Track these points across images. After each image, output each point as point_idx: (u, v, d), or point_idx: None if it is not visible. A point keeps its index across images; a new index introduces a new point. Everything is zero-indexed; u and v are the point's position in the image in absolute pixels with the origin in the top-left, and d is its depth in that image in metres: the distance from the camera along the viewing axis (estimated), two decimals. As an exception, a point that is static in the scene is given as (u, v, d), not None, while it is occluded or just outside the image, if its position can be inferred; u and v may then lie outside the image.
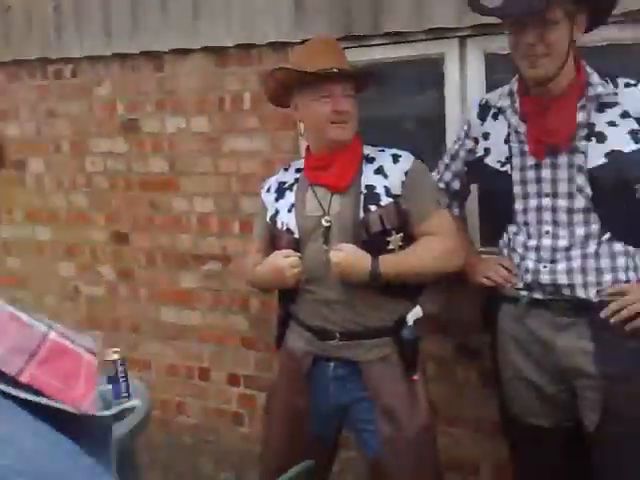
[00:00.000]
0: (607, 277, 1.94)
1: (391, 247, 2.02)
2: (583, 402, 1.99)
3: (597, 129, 1.89)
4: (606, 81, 1.92)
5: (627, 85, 1.91)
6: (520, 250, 2.03)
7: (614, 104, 1.90)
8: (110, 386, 2.29)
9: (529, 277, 1.99)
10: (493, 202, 2.17)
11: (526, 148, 1.97)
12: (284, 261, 2.06)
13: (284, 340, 2.27)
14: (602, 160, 1.87)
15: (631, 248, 1.95)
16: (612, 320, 1.90)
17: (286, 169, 2.30)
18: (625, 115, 1.88)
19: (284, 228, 2.14)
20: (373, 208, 2.01)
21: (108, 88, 3.44)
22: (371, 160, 2.10)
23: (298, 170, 2.24)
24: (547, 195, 1.96)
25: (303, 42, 2.69)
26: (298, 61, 2.08)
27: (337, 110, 2.02)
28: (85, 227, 3.65)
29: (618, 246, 1.93)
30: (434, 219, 2.07)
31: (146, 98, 3.34)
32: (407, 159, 2.08)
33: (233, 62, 3.03)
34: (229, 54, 3.03)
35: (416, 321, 2.08)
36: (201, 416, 3.42)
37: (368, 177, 2.06)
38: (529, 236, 2.00)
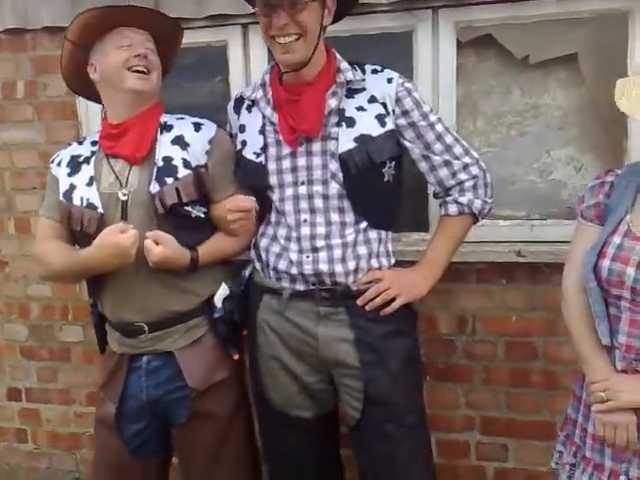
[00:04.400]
0: (363, 264, 1.97)
1: (187, 222, 1.96)
2: (345, 391, 2.01)
3: (347, 114, 1.92)
4: (354, 68, 1.97)
5: (374, 71, 1.97)
6: (282, 242, 1.99)
7: (362, 90, 1.93)
8: None
9: (294, 269, 1.96)
10: (253, 194, 2.01)
11: (281, 137, 1.96)
12: (125, 238, 1.82)
13: (106, 346, 2.15)
14: (352, 145, 1.89)
15: (383, 233, 2.00)
16: (367, 307, 1.95)
17: (80, 142, 2.12)
18: (372, 100, 1.92)
19: (84, 204, 1.96)
20: (169, 180, 1.91)
21: None
22: (169, 128, 1.99)
23: (94, 143, 2.07)
24: (303, 183, 1.94)
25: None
26: (87, 16, 1.92)
27: (137, 54, 1.90)
28: None
29: (373, 233, 1.97)
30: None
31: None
32: (210, 127, 2.01)
33: (4, 48, 2.81)
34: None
35: (225, 299, 2.04)
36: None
37: (164, 147, 1.96)
38: (288, 226, 1.98)
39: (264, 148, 1.98)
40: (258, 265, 2.07)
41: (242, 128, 2.06)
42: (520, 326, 2.53)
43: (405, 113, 1.93)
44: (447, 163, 1.97)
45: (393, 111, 1.92)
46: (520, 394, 2.58)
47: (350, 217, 1.95)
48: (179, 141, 1.96)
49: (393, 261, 2.06)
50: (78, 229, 1.98)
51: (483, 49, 2.55)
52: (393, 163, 1.95)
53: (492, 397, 2.60)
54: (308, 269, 1.95)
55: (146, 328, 1.99)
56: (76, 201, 1.97)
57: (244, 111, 2.06)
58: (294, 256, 1.96)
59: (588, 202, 1.80)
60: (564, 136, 2.55)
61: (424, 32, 2.44)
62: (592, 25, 2.41)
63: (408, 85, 1.95)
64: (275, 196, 1.98)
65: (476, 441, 2.66)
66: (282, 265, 1.98)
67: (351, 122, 1.91)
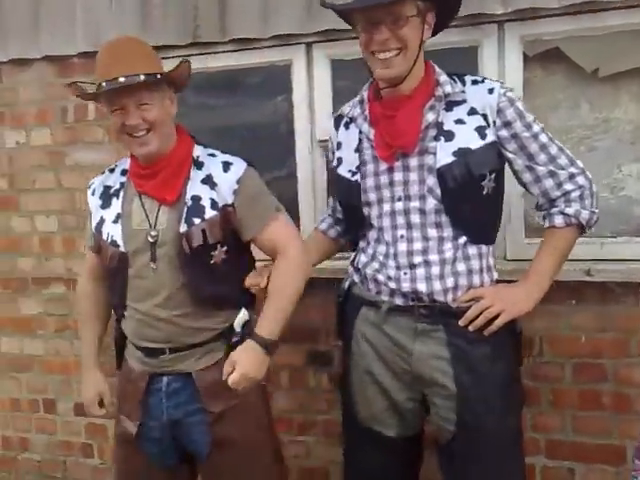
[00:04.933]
0: (463, 281, 1.92)
1: (213, 261, 1.96)
2: (436, 411, 1.98)
3: (445, 128, 1.89)
4: (454, 80, 1.94)
5: (474, 82, 1.94)
6: (381, 258, 1.98)
7: (462, 102, 1.90)
8: None
9: (392, 284, 1.95)
10: (349, 210, 2.09)
11: (377, 153, 1.96)
12: (96, 411, 2.23)
13: (123, 360, 2.16)
14: (450, 159, 1.86)
15: (484, 248, 1.96)
16: (470, 328, 1.91)
17: (112, 170, 2.13)
18: (472, 112, 1.88)
19: (109, 240, 2.00)
20: (197, 221, 1.92)
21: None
22: (200, 165, 1.99)
23: (124, 172, 2.07)
24: (399, 199, 1.93)
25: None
26: (94, 69, 1.92)
27: (128, 124, 1.88)
28: None
29: (472, 249, 1.93)
30: (274, 225, 2.01)
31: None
32: (239, 166, 1.98)
33: (77, 71, 2.91)
34: (72, 63, 2.91)
35: (245, 324, 2.04)
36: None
37: (195, 186, 1.95)
38: (386, 243, 1.97)
39: (360, 166, 1.99)
40: (357, 278, 2.08)
41: (339, 145, 2.07)
42: (589, 347, 2.45)
43: (507, 124, 1.88)
44: (552, 174, 1.91)
45: (494, 122, 1.88)
46: (589, 417, 2.49)
47: (448, 232, 1.92)
48: (208, 180, 1.96)
49: (496, 276, 2.01)
50: (103, 262, 2.06)
51: (550, 63, 2.50)
52: (493, 175, 1.90)
53: (560, 420, 2.53)
54: (406, 286, 1.93)
55: (167, 351, 2.01)
56: (104, 235, 2.02)
57: (342, 128, 2.07)
58: (392, 272, 1.95)
59: None
60: (636, 151, 2.47)
61: (489, 47, 2.42)
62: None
63: (510, 95, 1.91)
64: (373, 212, 1.98)
65: (542, 465, 2.58)
66: (381, 279, 1.98)
67: (450, 136, 1.88)
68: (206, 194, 1.94)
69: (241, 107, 2.74)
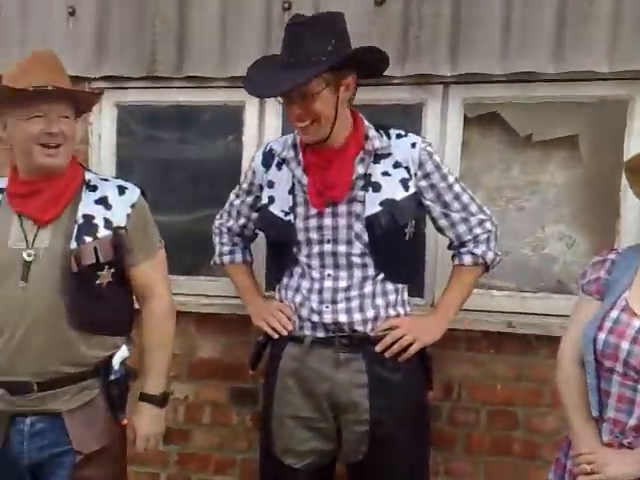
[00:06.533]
0: (382, 313, 2.10)
1: (99, 282, 1.92)
2: (350, 436, 2.11)
3: (373, 179, 2.06)
4: (380, 134, 2.09)
5: (398, 136, 2.10)
6: (305, 292, 2.12)
7: (387, 155, 2.08)
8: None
9: (315, 317, 2.09)
10: (278, 248, 2.22)
11: (309, 198, 2.10)
12: None
13: None
14: (377, 208, 2.04)
15: (400, 285, 2.15)
16: (386, 354, 2.08)
17: None
18: (397, 165, 2.07)
19: None
20: (88, 239, 1.88)
21: None
22: (93, 188, 1.97)
23: (0, 190, 2.00)
24: (328, 241, 2.08)
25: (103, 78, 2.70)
26: (11, 76, 1.88)
27: (50, 132, 1.85)
28: None
29: (389, 285, 2.11)
30: (156, 260, 2.04)
31: None
32: (133, 191, 2.00)
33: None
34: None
35: (123, 362, 2.02)
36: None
37: (88, 206, 1.93)
38: (312, 279, 2.10)
39: (292, 207, 2.11)
40: None
41: (270, 184, 2.18)
42: (504, 395, 2.59)
43: (426, 175, 2.09)
44: (464, 220, 2.14)
45: (415, 174, 2.08)
46: (500, 463, 2.62)
47: (371, 271, 2.09)
48: (103, 201, 1.95)
49: (409, 309, 2.19)
50: None
51: (488, 125, 2.67)
52: (414, 222, 2.13)
53: (472, 465, 2.64)
54: (327, 318, 2.08)
55: (35, 387, 1.89)
56: None
57: (274, 167, 2.18)
58: (315, 305, 2.09)
59: (590, 277, 1.88)
60: (558, 213, 2.66)
61: (434, 106, 2.57)
62: (594, 109, 2.54)
63: (429, 149, 2.11)
64: (302, 252, 2.12)
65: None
66: (304, 313, 2.12)
67: (377, 187, 2.06)
68: (100, 214, 1.93)
69: (191, 143, 2.80)
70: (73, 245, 1.87)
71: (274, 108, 2.65)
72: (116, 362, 1.99)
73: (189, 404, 2.87)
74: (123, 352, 2.01)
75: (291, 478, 2.17)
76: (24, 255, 1.87)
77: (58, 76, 1.89)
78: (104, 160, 2.80)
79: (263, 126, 2.70)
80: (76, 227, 1.90)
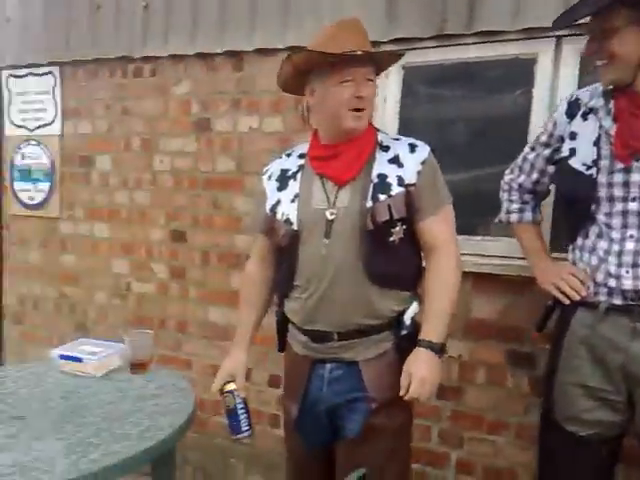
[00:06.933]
0: None
1: (392, 239, 1.95)
2: None
3: None
4: None
5: None
6: (601, 253, 1.95)
7: None
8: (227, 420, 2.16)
9: (612, 281, 1.92)
10: (574, 205, 2.05)
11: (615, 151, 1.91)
12: (217, 384, 2.19)
13: (287, 344, 2.19)
14: None
15: None
16: None
17: (289, 154, 2.17)
18: None
19: (283, 219, 2.03)
20: (382, 197, 1.93)
21: (186, 87, 3.47)
22: (386, 148, 2.01)
23: (301, 156, 2.11)
24: (634, 199, 1.89)
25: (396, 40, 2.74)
26: (319, 43, 1.93)
27: (360, 96, 1.91)
28: (144, 225, 3.63)
29: None
30: (441, 215, 2.01)
31: (221, 97, 3.36)
32: (424, 149, 2.01)
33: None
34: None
35: (413, 317, 2.02)
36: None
37: (382, 166, 1.98)
38: (611, 240, 1.93)
39: (596, 161, 1.95)
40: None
41: (573, 135, 2.03)
42: None
43: None
44: None
45: None
46: None
47: None
48: (395, 160, 1.98)
49: None
50: (276, 241, 2.07)
51: None
52: None
53: None
54: (628, 284, 1.90)
55: (335, 336, 2.00)
56: (279, 215, 2.04)
57: (579, 118, 2.03)
58: (612, 269, 1.93)
59: None
60: None
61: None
62: None
63: None
64: (601, 210, 1.95)
65: None
66: (599, 277, 1.96)
67: None
68: (393, 172, 1.96)
69: (477, 100, 2.71)
70: (369, 204, 1.93)
71: (571, 57, 2.48)
72: (407, 317, 2.01)
73: (463, 363, 2.83)
74: (414, 308, 2.02)
75: (574, 446, 2.01)
76: (327, 214, 1.97)
77: (364, 41, 1.95)
78: (388, 120, 2.83)
79: (557, 77, 2.53)
80: (371, 186, 1.95)
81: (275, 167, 2.15)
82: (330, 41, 1.90)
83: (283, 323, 2.16)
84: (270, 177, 2.13)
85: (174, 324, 3.58)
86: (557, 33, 2.48)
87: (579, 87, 2.42)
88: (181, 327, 3.56)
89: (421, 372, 1.92)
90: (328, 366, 2.04)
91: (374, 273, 1.95)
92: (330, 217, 1.96)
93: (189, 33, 3.39)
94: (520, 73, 2.60)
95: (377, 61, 1.97)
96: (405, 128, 2.80)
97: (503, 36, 2.58)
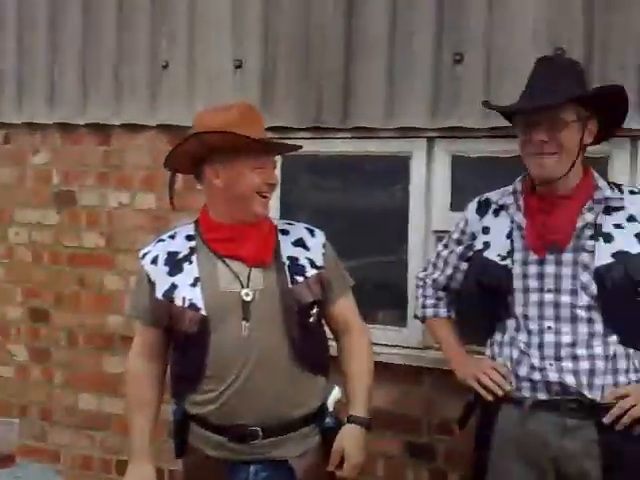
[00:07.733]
0: (609, 379, 1.91)
1: (311, 320, 1.96)
2: None
3: (604, 230, 1.92)
4: (612, 187, 1.99)
5: (632, 192, 2.00)
6: (522, 346, 1.97)
7: (620, 208, 1.95)
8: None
9: (536, 375, 1.93)
10: (490, 297, 2.07)
11: (528, 243, 1.98)
12: None
13: (187, 446, 1.99)
14: (609, 260, 1.89)
15: (631, 351, 1.94)
16: (617, 427, 1.86)
17: (172, 237, 2.03)
18: (631, 219, 1.94)
19: (186, 304, 1.88)
20: (300, 279, 1.93)
21: (44, 157, 3.29)
22: (286, 232, 2.03)
23: (189, 237, 2.00)
24: (549, 291, 1.94)
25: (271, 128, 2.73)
26: (229, 125, 1.85)
27: (270, 183, 1.94)
28: (-1, 302, 3.39)
29: (620, 348, 1.92)
30: (350, 296, 2.09)
31: (85, 170, 3.23)
32: (320, 233, 2.07)
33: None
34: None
35: (335, 404, 2.00)
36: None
37: (288, 248, 1.98)
38: (529, 332, 1.96)
39: (510, 252, 2.02)
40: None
41: (485, 230, 2.10)
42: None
43: None
44: None
45: None
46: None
47: (599, 329, 1.91)
48: (300, 243, 2.01)
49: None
50: (179, 329, 1.91)
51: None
52: None
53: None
54: (553, 377, 1.91)
55: (260, 433, 1.87)
56: (178, 301, 1.90)
57: (490, 214, 2.11)
58: (536, 361, 1.93)
59: None
60: None
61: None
62: None
63: None
64: (517, 300, 1.99)
65: None
66: (522, 372, 1.95)
67: (609, 238, 1.92)
68: (302, 255, 1.98)
69: (359, 193, 2.81)
70: (289, 285, 1.92)
71: (443, 157, 2.63)
72: (330, 404, 1.99)
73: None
74: (336, 393, 2.00)
75: None
76: (242, 295, 1.89)
77: (263, 128, 1.99)
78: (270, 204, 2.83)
79: (431, 175, 2.67)
80: (286, 268, 1.94)
81: (158, 250, 2.00)
82: (243, 125, 1.85)
83: (183, 423, 1.98)
84: (155, 261, 1.98)
85: (38, 411, 3.36)
86: (428, 135, 2.62)
87: (452, 186, 2.59)
88: (46, 415, 3.34)
89: (356, 457, 1.92)
90: (252, 468, 1.88)
91: (302, 356, 1.90)
92: (247, 298, 1.88)
93: (47, 101, 3.23)
94: (397, 169, 2.72)
95: (280, 151, 2.05)
96: (287, 213, 2.78)
97: (378, 133, 2.68)
